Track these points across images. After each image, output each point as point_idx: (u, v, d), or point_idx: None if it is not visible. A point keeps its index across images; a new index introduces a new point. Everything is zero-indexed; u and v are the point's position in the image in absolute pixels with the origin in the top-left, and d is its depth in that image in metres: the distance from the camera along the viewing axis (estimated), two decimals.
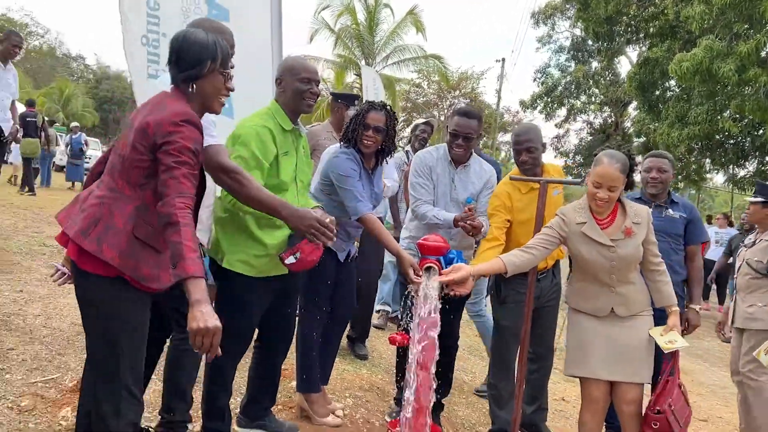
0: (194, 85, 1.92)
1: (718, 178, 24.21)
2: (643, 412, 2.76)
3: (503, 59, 28.46)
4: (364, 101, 3.19)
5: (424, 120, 5.27)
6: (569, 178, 3.27)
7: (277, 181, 2.49)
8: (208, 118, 2.13)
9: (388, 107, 3.06)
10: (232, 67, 2.01)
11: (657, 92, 14.64)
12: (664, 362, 2.84)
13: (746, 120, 11.04)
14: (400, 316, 3.05)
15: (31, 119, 11.39)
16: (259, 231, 2.47)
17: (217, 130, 2.29)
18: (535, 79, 23.93)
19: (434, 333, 2.64)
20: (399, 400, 3.30)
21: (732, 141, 12.50)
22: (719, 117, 11.42)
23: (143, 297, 1.91)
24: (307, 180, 2.73)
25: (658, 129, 13.85)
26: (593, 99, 24.09)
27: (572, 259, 2.88)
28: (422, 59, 24.56)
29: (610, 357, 2.76)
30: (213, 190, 2.48)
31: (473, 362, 5.01)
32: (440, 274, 2.75)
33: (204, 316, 1.62)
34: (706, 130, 11.88)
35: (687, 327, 3.43)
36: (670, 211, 3.48)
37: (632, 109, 21.70)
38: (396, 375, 3.41)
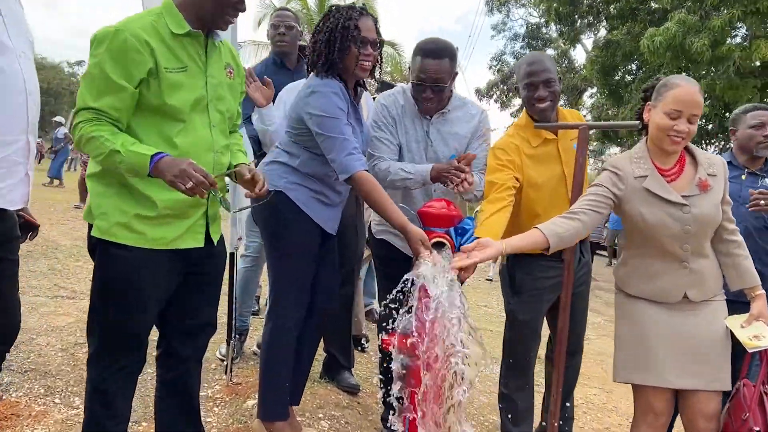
0: None
1: None
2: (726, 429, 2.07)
3: (456, 48, 27.81)
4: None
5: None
6: (617, 122, 2.54)
7: (161, 104, 1.71)
8: None
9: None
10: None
11: (617, 76, 14.33)
12: (745, 360, 2.16)
13: (716, 101, 10.73)
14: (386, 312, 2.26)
15: None
16: (144, 183, 1.72)
17: None
18: (491, 67, 23.52)
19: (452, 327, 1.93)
20: (386, 419, 2.54)
21: (700, 123, 12.27)
22: None
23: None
24: (229, 110, 1.94)
25: (620, 114, 13.50)
26: None
27: (628, 228, 2.18)
28: None
29: (683, 358, 2.07)
30: None
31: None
32: (453, 252, 2.01)
33: None
34: None
35: None
36: None
37: (587, 97, 21.57)
38: (382, 388, 2.63)
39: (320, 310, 2.38)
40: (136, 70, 1.65)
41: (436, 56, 2.36)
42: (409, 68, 2.45)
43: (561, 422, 2.83)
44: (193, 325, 1.97)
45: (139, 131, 1.71)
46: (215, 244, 1.93)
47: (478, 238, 2.09)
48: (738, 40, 10.74)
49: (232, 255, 3.06)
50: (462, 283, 1.97)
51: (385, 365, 2.58)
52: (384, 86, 4.24)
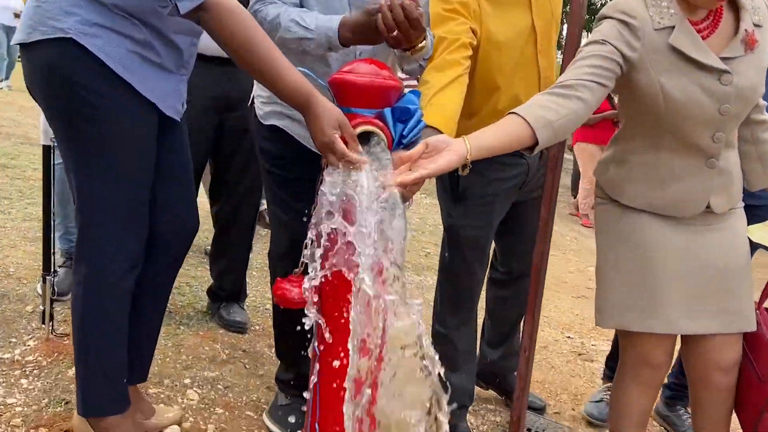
0: None
1: None
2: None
3: None
4: None
5: None
6: None
7: None
8: None
9: None
10: None
11: None
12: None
13: None
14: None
15: None
16: None
17: None
18: None
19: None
20: (286, 383, 1.83)
21: None
22: None
23: None
24: None
25: None
26: None
27: (631, 110, 1.49)
28: None
29: (698, 292, 1.48)
30: None
31: None
32: (390, 147, 1.23)
33: None
34: None
35: None
36: None
37: None
38: (278, 343, 1.88)
39: (174, 249, 1.50)
40: None
41: None
42: None
43: (508, 359, 2.29)
44: None
45: None
46: None
47: (428, 127, 1.32)
48: None
49: (48, 148, 2.08)
50: (405, 202, 1.20)
51: (279, 314, 1.82)
52: None
